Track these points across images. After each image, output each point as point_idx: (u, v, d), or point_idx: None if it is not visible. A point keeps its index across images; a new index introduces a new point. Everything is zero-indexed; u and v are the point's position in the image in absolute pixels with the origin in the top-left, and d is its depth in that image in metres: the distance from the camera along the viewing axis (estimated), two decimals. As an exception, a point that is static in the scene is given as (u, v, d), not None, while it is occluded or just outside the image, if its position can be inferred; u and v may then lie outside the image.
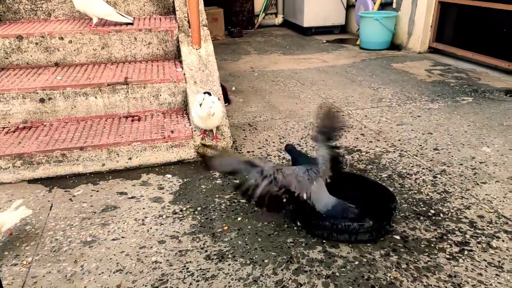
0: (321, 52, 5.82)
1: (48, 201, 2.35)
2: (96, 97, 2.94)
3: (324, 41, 6.53)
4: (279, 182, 1.88)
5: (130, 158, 2.68)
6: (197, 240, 2.00)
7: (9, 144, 2.62)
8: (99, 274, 1.80)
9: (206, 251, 1.93)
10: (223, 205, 2.28)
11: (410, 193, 2.36)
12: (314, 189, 1.92)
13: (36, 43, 3.21)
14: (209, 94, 2.60)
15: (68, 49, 3.29)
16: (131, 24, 3.43)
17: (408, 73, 4.69)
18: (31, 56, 3.24)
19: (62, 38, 3.25)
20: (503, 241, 1.95)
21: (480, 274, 1.75)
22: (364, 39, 5.92)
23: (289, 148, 2.34)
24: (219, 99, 2.96)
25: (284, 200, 1.90)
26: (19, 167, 2.53)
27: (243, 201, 2.30)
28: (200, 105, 2.53)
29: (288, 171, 1.94)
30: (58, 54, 3.28)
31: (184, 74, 3.08)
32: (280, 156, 2.81)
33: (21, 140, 2.66)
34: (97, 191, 2.44)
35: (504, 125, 3.21)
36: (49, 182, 2.54)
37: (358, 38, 6.17)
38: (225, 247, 1.95)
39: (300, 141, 3.03)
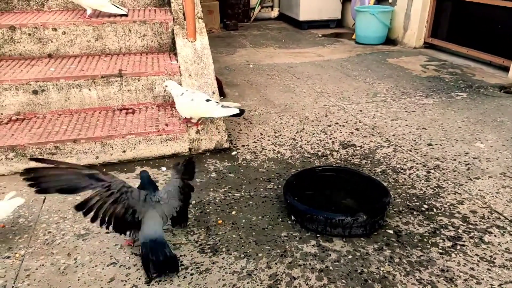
0: (317, 46, 5.80)
1: (41, 193, 2.33)
2: (90, 89, 2.92)
3: (320, 35, 6.51)
4: (127, 201, 1.74)
5: (124, 151, 2.66)
6: (191, 233, 2.00)
7: (2, 136, 2.59)
8: (93, 267, 1.80)
9: (200, 244, 1.93)
10: (218, 198, 2.28)
11: (403, 188, 2.37)
12: (148, 215, 1.81)
13: (29, 34, 3.17)
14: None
15: (62, 40, 3.25)
16: (126, 15, 3.39)
17: (403, 68, 4.69)
18: (24, 47, 3.20)
19: (55, 29, 3.21)
20: (495, 236, 1.97)
21: (472, 269, 1.77)
22: (360, 33, 5.91)
23: (142, 175, 1.98)
24: (214, 92, 2.95)
25: (129, 220, 1.77)
26: (12, 159, 2.50)
27: (238, 195, 2.30)
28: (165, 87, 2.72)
29: (135, 191, 1.80)
30: (52, 45, 3.25)
31: (179, 67, 3.06)
32: (275, 150, 2.81)
33: (13, 132, 2.64)
34: (91, 184, 2.43)
35: (497, 121, 3.23)
36: (42, 174, 2.52)
37: (354, 32, 6.15)
38: (219, 241, 1.95)
39: (295, 135, 3.02)
